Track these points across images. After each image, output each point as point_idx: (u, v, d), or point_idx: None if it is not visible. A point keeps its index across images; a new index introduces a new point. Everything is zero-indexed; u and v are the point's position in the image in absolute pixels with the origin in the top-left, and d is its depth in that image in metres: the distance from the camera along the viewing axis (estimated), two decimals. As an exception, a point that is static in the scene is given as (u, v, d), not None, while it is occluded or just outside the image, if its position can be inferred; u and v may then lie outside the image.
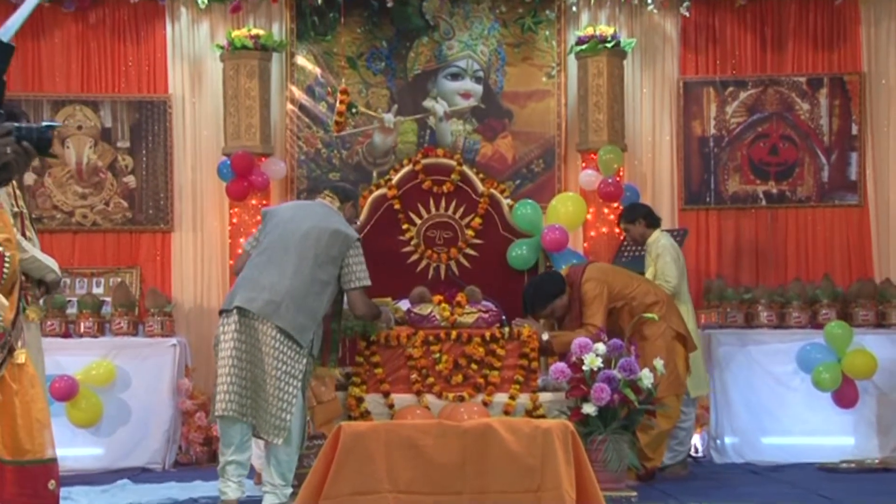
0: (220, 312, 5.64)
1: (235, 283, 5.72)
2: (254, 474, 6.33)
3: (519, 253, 7.48)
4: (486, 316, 6.42)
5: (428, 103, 8.76)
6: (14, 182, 4.21)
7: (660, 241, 7.29)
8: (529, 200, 7.76)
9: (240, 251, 6.34)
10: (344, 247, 5.67)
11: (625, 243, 8.02)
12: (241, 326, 5.50)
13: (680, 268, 7.27)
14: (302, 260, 5.60)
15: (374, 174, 8.61)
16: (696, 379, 7.13)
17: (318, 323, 5.62)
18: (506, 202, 7.66)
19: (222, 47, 8.46)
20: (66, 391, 7.48)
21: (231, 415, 5.46)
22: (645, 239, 7.33)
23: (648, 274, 7.19)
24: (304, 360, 5.51)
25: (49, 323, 7.86)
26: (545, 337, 6.46)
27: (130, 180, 8.73)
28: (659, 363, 6.14)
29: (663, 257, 7.19)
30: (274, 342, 5.45)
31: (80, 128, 8.72)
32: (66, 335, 7.99)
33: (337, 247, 5.66)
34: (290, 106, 8.77)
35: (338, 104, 7.64)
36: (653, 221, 7.36)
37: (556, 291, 6.65)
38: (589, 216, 8.32)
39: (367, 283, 5.73)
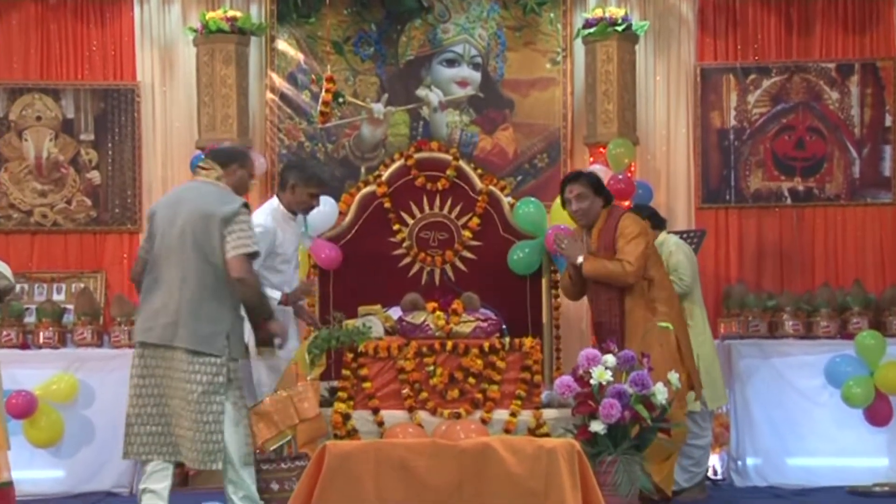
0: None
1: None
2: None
3: (521, 256, 7.49)
4: (485, 325, 6.43)
5: (421, 92, 8.77)
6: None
7: (669, 241, 7.32)
8: (532, 198, 7.77)
9: None
10: (223, 225, 5.47)
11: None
12: (146, 360, 5.53)
13: (693, 268, 7.29)
14: (185, 267, 5.51)
15: (363, 170, 8.62)
16: (712, 389, 7.14)
17: (229, 322, 5.52)
18: (506, 200, 7.68)
19: (196, 31, 8.47)
20: (23, 408, 7.47)
21: (134, 458, 5.56)
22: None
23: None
24: (225, 369, 5.46)
25: (5, 333, 7.86)
26: (580, 259, 6.46)
27: (95, 176, 8.73)
28: (674, 377, 6.14)
29: (676, 255, 7.20)
30: (183, 365, 5.44)
31: (39, 119, 8.72)
32: (24, 346, 7.98)
33: (215, 232, 5.48)
34: (270, 95, 8.77)
35: (323, 93, 7.67)
36: (658, 222, 7.40)
37: (603, 193, 6.58)
38: (597, 216, 8.33)
39: (249, 249, 5.48)
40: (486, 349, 6.29)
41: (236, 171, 5.78)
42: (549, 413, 6.24)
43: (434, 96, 8.71)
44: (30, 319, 8.15)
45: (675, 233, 7.80)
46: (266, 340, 5.88)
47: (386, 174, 7.69)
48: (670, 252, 7.24)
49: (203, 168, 5.75)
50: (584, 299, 6.83)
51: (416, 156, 7.68)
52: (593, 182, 6.60)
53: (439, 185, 7.62)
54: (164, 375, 5.49)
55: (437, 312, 6.42)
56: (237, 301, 5.58)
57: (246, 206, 5.58)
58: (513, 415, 6.20)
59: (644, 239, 6.48)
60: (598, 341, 6.52)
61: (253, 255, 5.53)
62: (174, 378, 5.46)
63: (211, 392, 5.40)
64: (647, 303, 6.49)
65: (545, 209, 7.71)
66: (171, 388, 5.47)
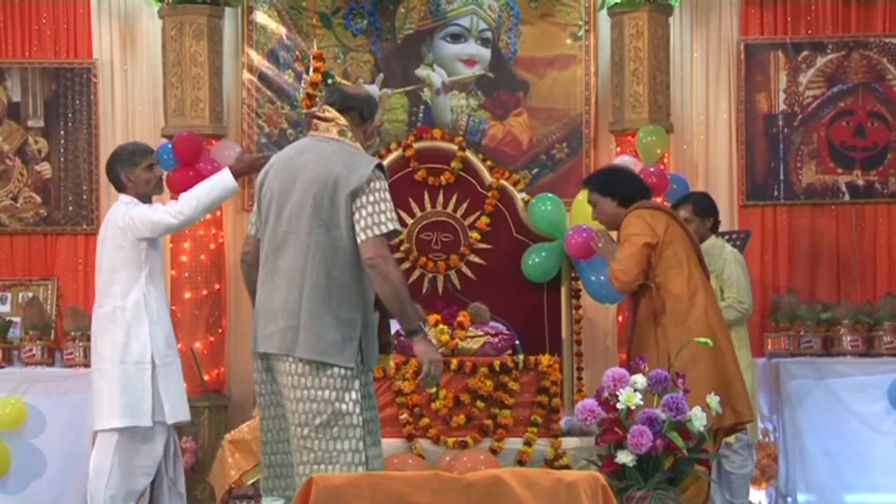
0: None
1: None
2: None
3: (537, 261, 7.54)
4: (496, 341, 6.48)
5: (422, 72, 8.81)
6: None
7: (724, 248, 7.28)
8: (550, 195, 7.81)
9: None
10: (351, 198, 4.97)
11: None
12: (265, 375, 5.15)
13: (749, 283, 7.32)
14: (306, 254, 5.02)
15: (354, 161, 8.66)
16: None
17: (361, 323, 5.07)
18: (520, 197, 7.72)
19: (162, 1, 8.51)
20: (-37, 436, 7.54)
21: (263, 494, 5.22)
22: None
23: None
24: (357, 382, 5.05)
25: (-58, 350, 7.94)
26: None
27: (45, 169, 8.77)
28: (713, 400, 6.18)
29: (730, 268, 7.16)
30: (294, 381, 5.02)
31: (-20, 102, 8.79)
32: (-36, 365, 8.06)
33: (346, 204, 4.97)
34: (247, 75, 8.81)
35: (309, 73, 7.71)
36: (716, 224, 7.36)
37: (614, 192, 6.42)
38: (625, 214, 8.38)
39: (385, 228, 4.97)
40: (497, 368, 6.34)
41: (363, 128, 5.33)
42: (569, 442, 6.29)
43: (436, 77, 8.75)
44: (-30, 334, 8.22)
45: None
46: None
47: (381, 167, 7.74)
48: (725, 261, 7.19)
49: (322, 119, 5.17)
50: (611, 311, 6.88)
51: (416, 145, 7.72)
52: (598, 183, 6.50)
53: (443, 180, 7.67)
54: (279, 393, 5.13)
55: (441, 326, 6.47)
56: (369, 297, 5.12)
57: (380, 168, 5.08)
58: (527, 444, 6.26)
59: (640, 239, 6.25)
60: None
61: (391, 235, 5.03)
62: (293, 398, 5.06)
63: (342, 413, 5.05)
64: (651, 313, 6.43)
65: (565, 207, 7.75)
66: (290, 409, 5.09)
